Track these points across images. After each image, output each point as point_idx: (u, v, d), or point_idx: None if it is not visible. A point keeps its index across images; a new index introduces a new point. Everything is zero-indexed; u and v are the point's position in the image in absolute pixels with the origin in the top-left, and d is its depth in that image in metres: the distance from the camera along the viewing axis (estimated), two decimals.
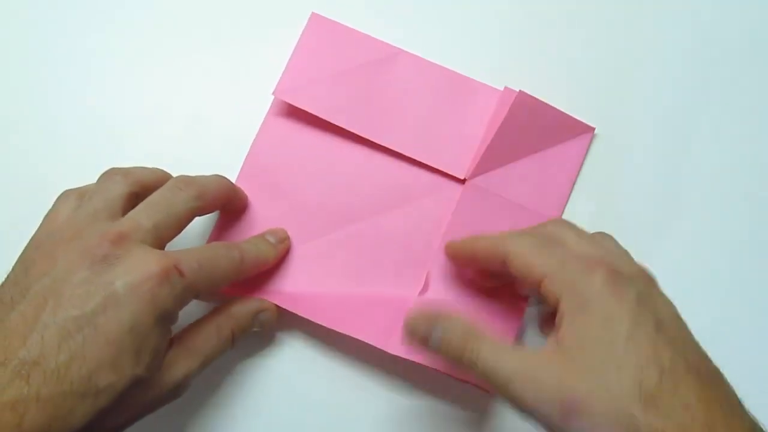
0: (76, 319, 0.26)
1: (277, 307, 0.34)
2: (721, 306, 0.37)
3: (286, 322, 0.36)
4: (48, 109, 0.39)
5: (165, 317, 0.28)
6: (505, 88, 0.37)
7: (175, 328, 0.30)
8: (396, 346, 0.33)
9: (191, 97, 0.39)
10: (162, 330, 0.28)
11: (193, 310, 0.33)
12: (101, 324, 0.26)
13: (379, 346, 0.33)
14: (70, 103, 0.39)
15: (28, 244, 0.30)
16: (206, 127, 0.39)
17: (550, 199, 0.37)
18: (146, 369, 0.27)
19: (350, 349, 0.36)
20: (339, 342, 0.36)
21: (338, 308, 0.35)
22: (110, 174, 0.32)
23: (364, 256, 0.36)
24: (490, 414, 0.36)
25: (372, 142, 0.37)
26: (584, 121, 0.37)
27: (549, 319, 0.29)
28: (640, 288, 0.26)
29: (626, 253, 0.30)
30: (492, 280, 0.34)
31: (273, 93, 0.37)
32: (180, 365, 0.30)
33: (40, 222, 0.31)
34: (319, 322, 0.34)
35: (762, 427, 0.25)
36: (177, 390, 0.30)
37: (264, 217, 0.37)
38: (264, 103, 0.38)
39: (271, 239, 0.35)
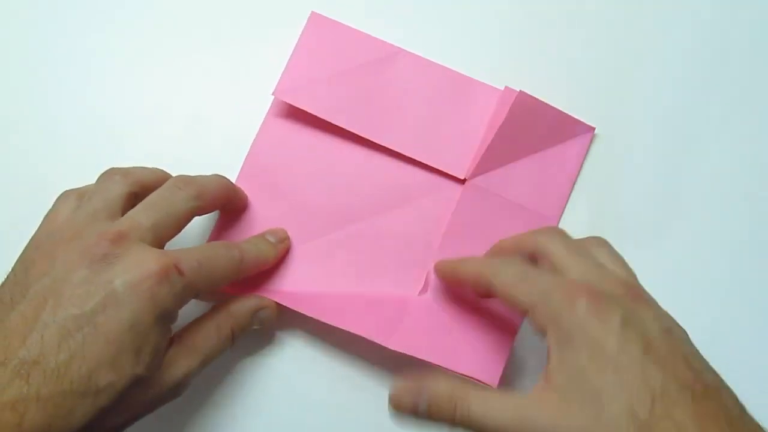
0: (76, 318, 0.26)
1: (277, 305, 0.34)
2: (721, 306, 0.37)
3: (286, 321, 0.36)
4: (48, 109, 0.39)
5: (165, 316, 0.28)
6: (506, 87, 0.37)
7: (175, 328, 0.30)
8: (397, 342, 0.33)
9: (191, 97, 0.39)
10: (162, 329, 0.28)
11: (192, 309, 0.32)
12: (101, 323, 0.26)
13: (380, 342, 0.33)
14: (70, 103, 0.39)
15: (28, 244, 0.30)
16: (206, 127, 0.39)
17: (550, 199, 0.37)
18: (146, 368, 0.27)
19: (350, 348, 0.36)
20: (339, 341, 0.36)
21: (339, 306, 0.35)
22: (110, 174, 0.32)
23: (364, 256, 0.36)
24: None
25: (372, 142, 0.37)
26: (584, 121, 0.37)
27: None
28: (626, 308, 0.26)
29: (617, 261, 0.29)
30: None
31: (273, 93, 0.37)
32: (180, 364, 0.30)
33: (40, 222, 0.31)
34: (320, 319, 0.34)
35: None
36: (177, 389, 0.30)
37: (264, 217, 0.37)
38: (264, 103, 0.38)
39: (271, 239, 0.35)
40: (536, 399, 0.26)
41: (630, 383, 0.24)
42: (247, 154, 0.37)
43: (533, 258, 0.30)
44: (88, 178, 0.32)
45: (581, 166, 0.38)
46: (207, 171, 0.34)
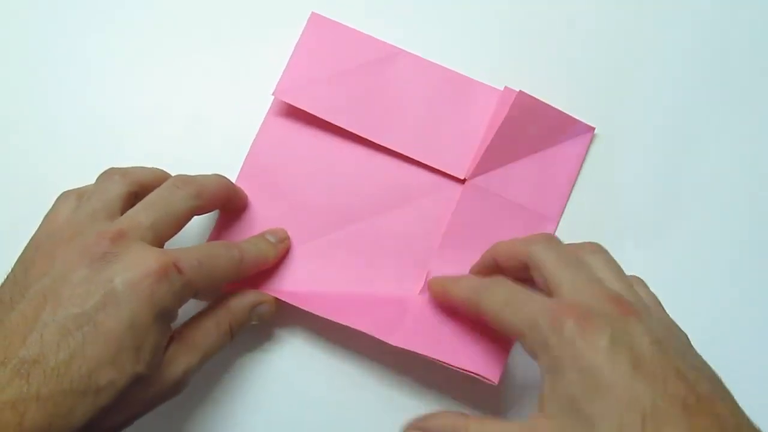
0: (76, 317, 0.26)
1: (277, 300, 0.34)
2: (721, 306, 0.37)
3: (286, 318, 0.36)
4: (48, 109, 0.39)
5: (164, 314, 0.28)
6: (505, 88, 0.37)
7: (174, 326, 0.30)
8: (399, 338, 0.33)
9: (191, 97, 0.39)
10: (162, 327, 0.28)
11: (192, 307, 0.33)
12: (101, 322, 0.26)
13: (382, 339, 0.33)
14: (70, 103, 0.39)
15: (28, 244, 0.30)
16: (206, 127, 0.39)
17: (550, 199, 0.37)
18: (147, 366, 0.27)
19: (350, 345, 0.36)
20: (338, 339, 0.36)
21: (339, 304, 0.35)
22: (109, 174, 0.32)
23: (364, 256, 0.36)
24: (493, 410, 0.36)
25: (372, 142, 0.37)
26: (584, 121, 0.37)
27: None
28: (615, 325, 0.25)
29: (612, 268, 0.29)
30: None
31: (273, 93, 0.37)
32: (180, 361, 0.30)
33: (40, 223, 0.31)
34: (320, 314, 0.34)
35: None
36: (177, 386, 0.30)
37: (264, 217, 0.37)
38: (264, 103, 0.38)
39: (271, 239, 0.35)
40: (531, 428, 0.26)
41: (619, 405, 0.24)
42: (247, 154, 0.37)
43: (526, 268, 0.30)
44: (88, 178, 0.32)
45: (581, 166, 0.38)
46: (207, 171, 0.34)
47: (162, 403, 0.29)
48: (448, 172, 0.37)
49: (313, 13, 0.38)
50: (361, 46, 0.38)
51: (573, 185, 0.38)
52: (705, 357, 0.27)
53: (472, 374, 0.32)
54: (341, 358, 0.36)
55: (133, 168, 0.32)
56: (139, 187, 0.31)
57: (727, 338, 0.36)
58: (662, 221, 0.38)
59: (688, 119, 0.38)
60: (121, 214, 0.30)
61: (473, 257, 0.34)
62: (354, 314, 0.34)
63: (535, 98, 0.36)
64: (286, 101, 0.37)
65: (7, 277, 0.28)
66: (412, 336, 0.33)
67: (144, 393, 0.28)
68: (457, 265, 0.36)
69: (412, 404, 0.36)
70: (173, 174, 0.33)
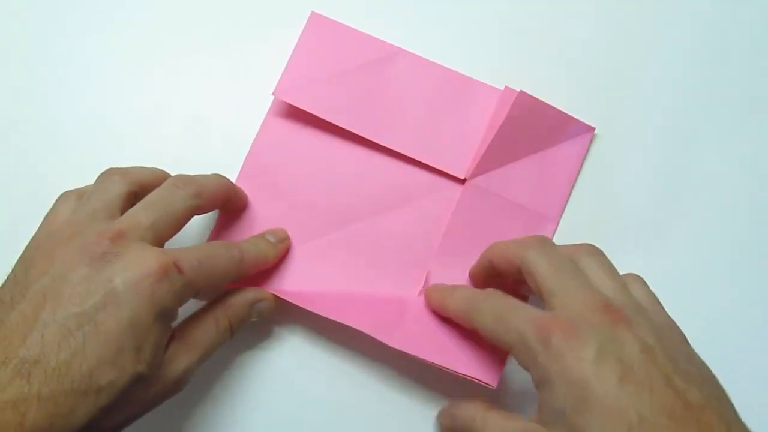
0: (76, 316, 0.26)
1: (276, 298, 0.34)
2: (721, 306, 0.37)
3: (285, 317, 0.36)
4: (48, 109, 0.39)
5: (165, 314, 0.28)
6: (506, 87, 0.37)
7: (174, 325, 0.30)
8: (399, 340, 0.33)
9: (191, 97, 0.39)
10: (162, 327, 0.28)
11: (191, 307, 0.32)
12: (101, 321, 0.26)
13: (382, 339, 0.33)
14: (70, 103, 0.39)
15: (28, 244, 0.30)
16: (206, 127, 0.39)
17: (550, 199, 0.37)
18: (147, 366, 0.27)
19: (350, 344, 0.36)
20: (339, 337, 0.36)
21: (339, 303, 0.35)
22: (108, 174, 0.32)
23: (364, 256, 0.36)
24: None
25: (372, 142, 0.37)
26: (584, 121, 0.37)
27: None
28: (603, 334, 0.26)
29: (606, 272, 0.29)
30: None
31: (273, 93, 0.37)
32: (180, 360, 0.30)
33: (40, 223, 0.31)
34: (320, 313, 0.34)
35: None
36: (178, 385, 0.30)
37: (264, 216, 0.37)
38: (264, 103, 0.38)
39: (271, 239, 0.35)
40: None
41: (606, 417, 0.24)
42: (247, 154, 0.37)
43: (520, 273, 0.30)
44: (88, 178, 0.32)
45: (581, 166, 0.38)
46: (207, 171, 0.34)
47: (163, 402, 0.29)
48: (449, 172, 0.37)
49: (313, 12, 0.38)
50: (361, 45, 0.38)
51: (573, 185, 0.38)
52: (705, 357, 0.27)
53: (470, 378, 0.32)
54: (341, 357, 0.36)
55: (132, 168, 0.32)
56: (138, 186, 0.31)
57: (727, 338, 0.36)
58: (662, 221, 0.38)
59: (688, 119, 0.39)
60: (121, 214, 0.30)
61: (473, 257, 0.34)
62: (353, 313, 0.34)
63: (535, 98, 0.36)
64: (286, 101, 0.37)
65: (8, 277, 0.28)
66: (411, 337, 0.33)
67: (145, 392, 0.28)
68: (457, 265, 0.36)
69: (412, 403, 0.36)
70: (173, 174, 0.33)
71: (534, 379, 0.27)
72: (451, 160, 0.37)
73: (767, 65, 0.39)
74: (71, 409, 0.25)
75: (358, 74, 0.37)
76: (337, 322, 0.33)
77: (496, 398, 0.36)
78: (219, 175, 0.34)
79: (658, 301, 0.30)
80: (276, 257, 0.35)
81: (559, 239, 0.37)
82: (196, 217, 0.32)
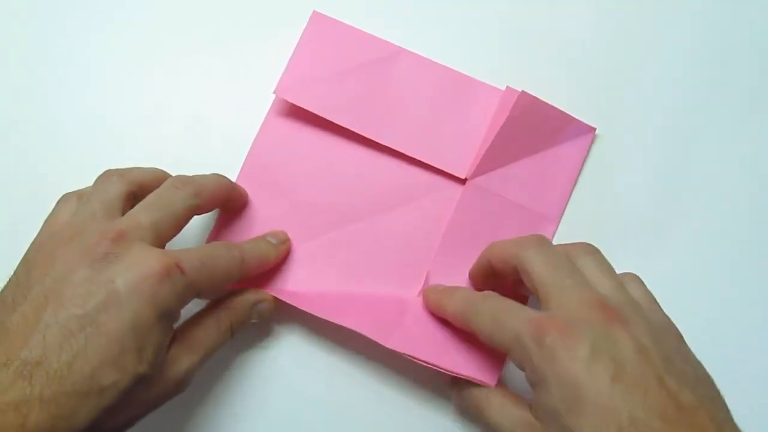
0: (78, 318, 0.26)
1: (276, 299, 0.34)
2: (721, 306, 0.37)
3: (285, 317, 0.36)
4: (48, 109, 0.39)
5: (166, 315, 0.28)
6: (507, 87, 0.37)
7: (175, 326, 0.30)
8: (396, 341, 0.33)
9: (191, 97, 0.39)
10: (164, 327, 0.28)
11: (192, 307, 0.32)
12: (103, 322, 0.26)
13: (379, 341, 0.33)
14: (70, 103, 0.39)
15: (30, 246, 0.30)
16: (206, 127, 0.39)
17: (550, 199, 0.37)
18: (149, 367, 0.27)
19: (348, 344, 0.36)
20: (337, 337, 0.36)
21: (339, 303, 0.35)
22: (107, 175, 0.32)
23: (365, 255, 0.36)
24: None
25: (373, 141, 0.37)
26: (584, 121, 0.37)
27: None
28: (597, 334, 0.26)
29: (603, 270, 0.29)
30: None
31: (274, 91, 0.37)
32: (182, 361, 0.30)
33: (42, 224, 0.31)
34: (320, 315, 0.34)
35: None
36: (180, 385, 0.30)
37: (264, 216, 0.37)
38: (264, 102, 0.38)
39: (273, 240, 0.35)
40: (530, 426, 0.27)
41: (598, 417, 0.24)
42: (248, 153, 0.37)
43: (518, 273, 0.30)
44: (88, 178, 0.32)
45: (582, 167, 0.38)
46: (207, 171, 0.34)
47: (164, 402, 0.29)
48: (449, 172, 0.37)
49: (314, 11, 0.38)
50: (362, 44, 0.38)
51: (574, 185, 0.38)
52: (704, 357, 0.27)
53: (469, 379, 0.32)
54: (340, 356, 0.36)
55: (131, 168, 0.32)
56: (138, 187, 0.31)
57: (727, 338, 0.37)
58: (662, 221, 0.38)
59: (688, 119, 0.39)
60: (122, 214, 0.30)
61: (473, 257, 0.34)
62: (353, 315, 0.34)
63: (536, 98, 0.36)
64: (288, 99, 0.37)
65: (10, 279, 0.28)
66: (410, 338, 0.33)
67: (147, 393, 0.28)
68: (457, 265, 0.36)
69: (411, 403, 0.36)
70: (173, 174, 0.33)
71: (529, 379, 0.27)
72: (451, 159, 0.37)
73: (767, 65, 0.39)
74: (73, 411, 0.25)
75: (359, 73, 0.37)
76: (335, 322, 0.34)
77: None
78: (218, 174, 0.34)
79: (655, 300, 0.30)
80: (277, 258, 0.35)
81: (559, 239, 0.37)
82: (196, 217, 0.32)
